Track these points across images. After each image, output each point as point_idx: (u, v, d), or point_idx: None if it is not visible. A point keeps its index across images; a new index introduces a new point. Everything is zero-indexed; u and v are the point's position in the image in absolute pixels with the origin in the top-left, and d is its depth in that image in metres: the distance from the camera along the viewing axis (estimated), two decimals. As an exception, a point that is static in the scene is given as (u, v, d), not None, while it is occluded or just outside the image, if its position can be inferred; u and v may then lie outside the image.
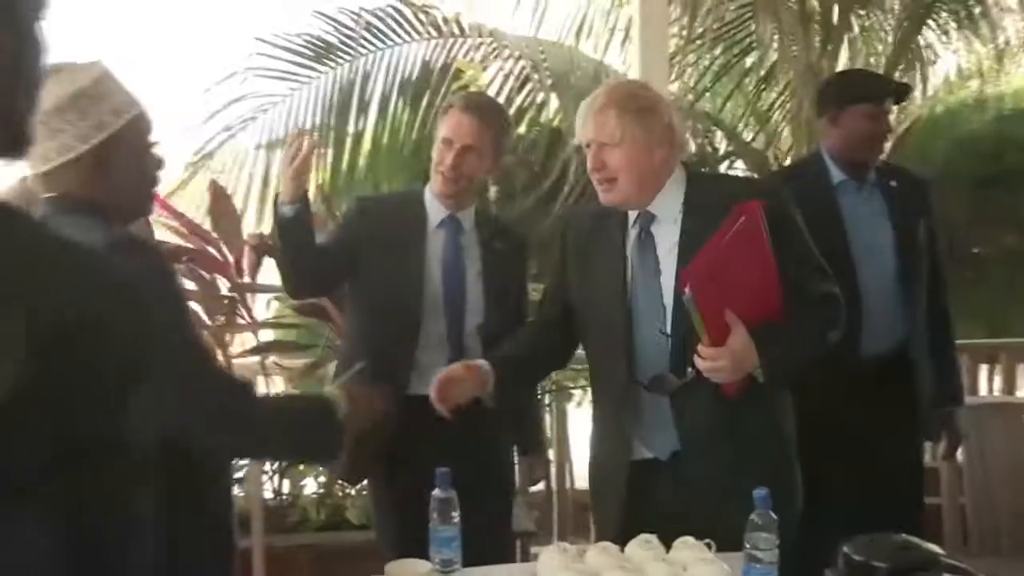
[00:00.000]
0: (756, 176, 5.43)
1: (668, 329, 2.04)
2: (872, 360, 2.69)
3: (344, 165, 5.38)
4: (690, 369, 1.99)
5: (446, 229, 2.50)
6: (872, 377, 2.67)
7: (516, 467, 2.83)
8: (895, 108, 2.89)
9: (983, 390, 4.49)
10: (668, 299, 2.05)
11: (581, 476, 3.41)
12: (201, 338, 1.76)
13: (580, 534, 3.56)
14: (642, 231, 2.11)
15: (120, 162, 1.59)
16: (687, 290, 1.85)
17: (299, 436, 1.78)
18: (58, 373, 0.83)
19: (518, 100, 5.45)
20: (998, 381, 4.50)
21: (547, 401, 3.89)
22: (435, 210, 2.51)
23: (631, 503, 2.08)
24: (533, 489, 3.75)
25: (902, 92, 3.03)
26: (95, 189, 1.58)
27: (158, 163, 1.71)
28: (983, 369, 4.63)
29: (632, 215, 2.13)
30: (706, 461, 2.03)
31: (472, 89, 4.17)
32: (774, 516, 1.75)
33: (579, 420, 3.82)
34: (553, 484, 3.80)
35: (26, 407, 0.81)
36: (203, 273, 3.64)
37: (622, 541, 1.88)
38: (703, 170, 2.28)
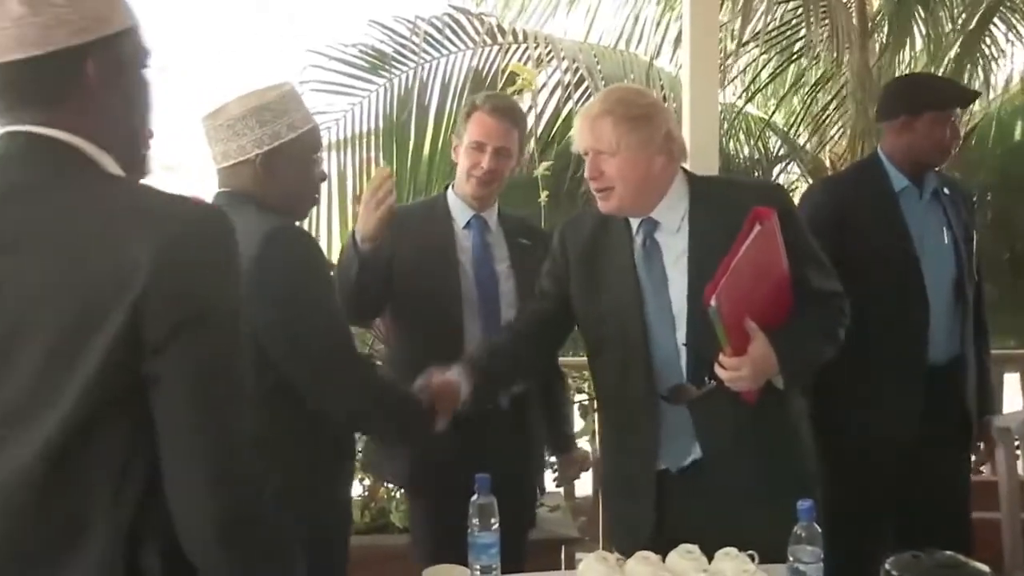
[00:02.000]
0: (761, 181, 5.38)
1: (683, 339, 2.01)
2: (932, 370, 2.65)
3: (408, 172, 5.43)
4: (710, 380, 1.96)
5: (473, 229, 2.52)
6: (932, 388, 2.64)
7: (546, 471, 2.81)
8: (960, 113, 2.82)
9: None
10: (678, 309, 2.01)
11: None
12: (340, 315, 1.95)
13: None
14: (646, 239, 2.07)
15: (287, 168, 1.84)
16: (712, 303, 1.82)
17: (403, 421, 2.02)
18: None
19: (569, 104, 5.46)
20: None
21: (594, 407, 3.86)
22: (460, 212, 2.53)
23: (660, 513, 2.06)
24: (579, 496, 3.75)
25: (971, 98, 2.97)
26: (263, 187, 1.83)
27: (321, 175, 1.99)
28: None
29: (634, 222, 2.09)
30: (731, 469, 2.00)
31: (508, 93, 4.15)
32: (818, 528, 1.72)
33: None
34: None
35: None
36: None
37: (655, 551, 1.86)
38: (702, 175, 2.22)
